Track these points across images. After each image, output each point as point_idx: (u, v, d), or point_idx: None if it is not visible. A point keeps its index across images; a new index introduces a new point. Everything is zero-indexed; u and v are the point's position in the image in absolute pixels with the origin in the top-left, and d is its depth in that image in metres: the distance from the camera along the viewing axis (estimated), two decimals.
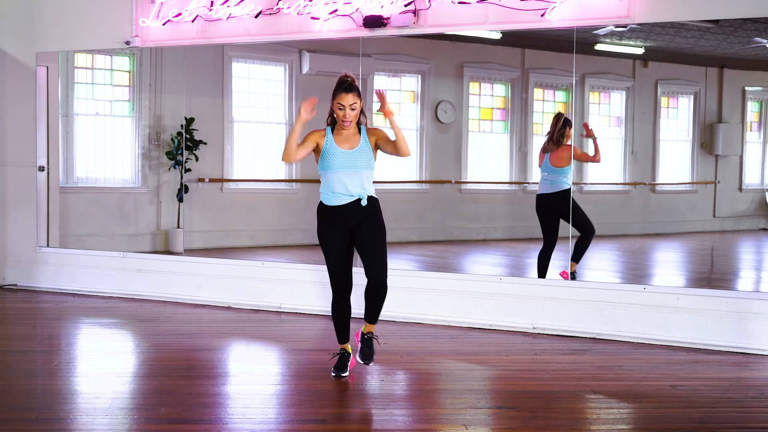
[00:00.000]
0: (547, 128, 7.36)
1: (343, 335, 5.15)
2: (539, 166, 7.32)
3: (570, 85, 9.24)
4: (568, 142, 7.16)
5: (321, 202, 4.98)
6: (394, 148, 4.88)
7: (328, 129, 4.98)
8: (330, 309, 5.17)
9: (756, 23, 7.56)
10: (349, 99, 4.84)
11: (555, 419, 4.35)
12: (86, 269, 8.10)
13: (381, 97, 4.87)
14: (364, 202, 4.89)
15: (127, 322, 6.95)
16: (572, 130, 7.18)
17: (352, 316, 5.16)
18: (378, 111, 4.89)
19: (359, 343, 5.09)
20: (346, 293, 5.05)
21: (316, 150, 4.96)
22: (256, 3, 7.31)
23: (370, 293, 4.92)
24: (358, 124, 4.98)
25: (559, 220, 7.15)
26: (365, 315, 5.03)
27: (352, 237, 4.95)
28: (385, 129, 5.10)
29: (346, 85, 4.85)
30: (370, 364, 5.09)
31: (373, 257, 4.87)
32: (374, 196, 4.98)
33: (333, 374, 5.08)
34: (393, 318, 6.74)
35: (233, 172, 9.80)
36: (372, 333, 5.08)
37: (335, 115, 4.90)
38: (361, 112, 4.95)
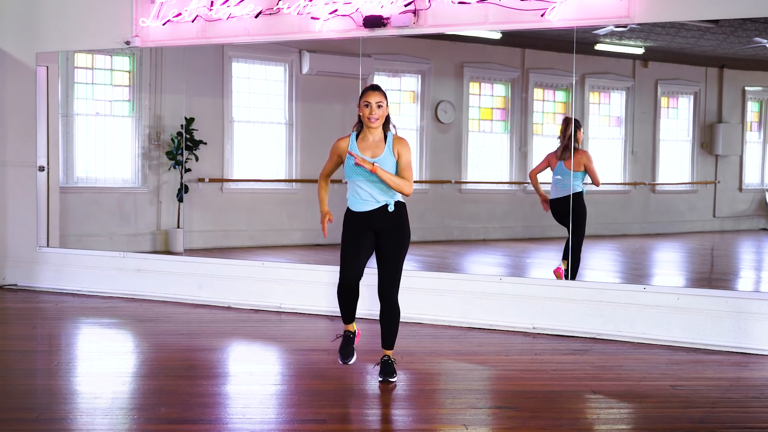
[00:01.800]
0: (548, 128, 7.32)
1: (348, 316, 5.05)
2: (551, 170, 7.24)
3: (570, 85, 9.23)
4: (579, 146, 7.11)
5: (348, 207, 4.95)
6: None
7: (353, 135, 4.94)
8: (336, 295, 5.04)
9: (756, 23, 7.56)
10: (374, 96, 4.83)
11: (555, 419, 4.35)
12: (86, 269, 8.10)
13: (358, 159, 4.78)
14: (391, 208, 4.86)
15: (127, 322, 6.95)
16: (582, 132, 7.12)
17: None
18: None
19: (379, 365, 5.07)
20: (354, 284, 4.90)
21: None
22: (256, 3, 7.31)
23: (382, 315, 4.97)
24: (386, 132, 4.93)
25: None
26: (382, 341, 5.04)
27: (376, 240, 4.91)
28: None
29: (372, 85, 4.91)
30: (393, 380, 5.02)
31: (385, 275, 4.89)
32: (401, 201, 4.94)
33: (340, 361, 5.05)
34: None
35: (233, 172, 9.79)
36: (389, 356, 5.05)
37: (361, 115, 4.88)
38: (389, 120, 4.93)
